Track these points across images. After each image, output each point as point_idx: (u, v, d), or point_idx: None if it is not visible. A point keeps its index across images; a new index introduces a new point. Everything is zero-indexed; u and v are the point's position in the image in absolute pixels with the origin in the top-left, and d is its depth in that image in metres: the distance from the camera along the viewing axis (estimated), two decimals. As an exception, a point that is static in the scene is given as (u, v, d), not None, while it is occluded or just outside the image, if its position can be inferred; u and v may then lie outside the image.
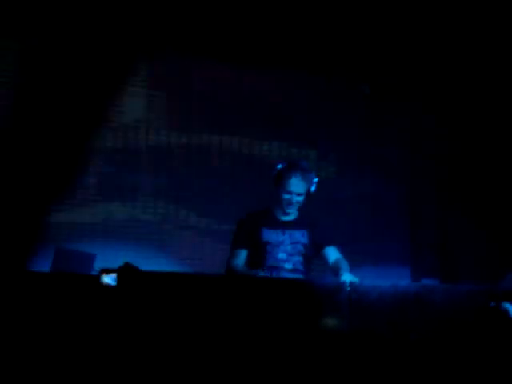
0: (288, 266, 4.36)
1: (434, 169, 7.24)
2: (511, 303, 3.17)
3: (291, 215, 4.48)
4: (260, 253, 4.37)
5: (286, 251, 4.37)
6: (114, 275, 3.20)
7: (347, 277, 4.01)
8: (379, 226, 7.19)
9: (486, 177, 7.00)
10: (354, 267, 4.39)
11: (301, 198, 4.38)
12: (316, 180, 4.42)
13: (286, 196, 4.36)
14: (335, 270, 4.30)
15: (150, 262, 6.33)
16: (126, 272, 3.24)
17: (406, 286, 3.72)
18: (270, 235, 4.40)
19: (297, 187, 4.34)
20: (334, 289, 3.54)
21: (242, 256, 4.40)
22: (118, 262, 4.17)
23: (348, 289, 3.51)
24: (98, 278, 3.73)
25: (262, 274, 4.18)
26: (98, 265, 4.87)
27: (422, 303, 3.62)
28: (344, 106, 7.45)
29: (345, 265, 4.29)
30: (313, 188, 4.41)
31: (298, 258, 4.40)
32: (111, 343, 3.20)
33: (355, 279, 3.91)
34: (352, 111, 7.47)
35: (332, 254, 4.45)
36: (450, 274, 6.54)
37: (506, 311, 3.14)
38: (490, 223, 6.72)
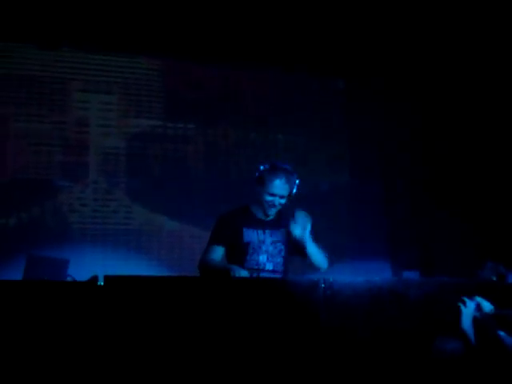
0: (269, 266, 4.30)
1: (409, 165, 7.25)
2: (483, 297, 3.18)
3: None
4: (241, 253, 4.28)
5: (268, 252, 4.30)
6: None
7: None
8: (357, 221, 7.20)
9: (461, 172, 7.02)
10: (333, 263, 4.39)
11: (283, 201, 4.31)
12: (298, 182, 4.35)
13: (269, 198, 4.28)
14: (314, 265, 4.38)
15: (130, 266, 6.37)
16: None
17: (380, 281, 3.70)
18: (250, 235, 4.31)
19: (281, 190, 4.27)
20: (308, 286, 3.53)
21: (218, 252, 4.30)
22: (95, 268, 4.15)
23: (322, 286, 3.50)
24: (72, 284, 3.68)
25: (241, 274, 4.10)
26: (73, 271, 4.81)
27: (397, 298, 3.63)
28: (320, 102, 7.46)
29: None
30: (294, 190, 4.34)
31: (280, 260, 4.33)
32: (86, 351, 3.17)
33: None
34: (327, 108, 7.48)
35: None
36: (429, 267, 6.55)
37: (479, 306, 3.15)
38: (467, 217, 6.73)
